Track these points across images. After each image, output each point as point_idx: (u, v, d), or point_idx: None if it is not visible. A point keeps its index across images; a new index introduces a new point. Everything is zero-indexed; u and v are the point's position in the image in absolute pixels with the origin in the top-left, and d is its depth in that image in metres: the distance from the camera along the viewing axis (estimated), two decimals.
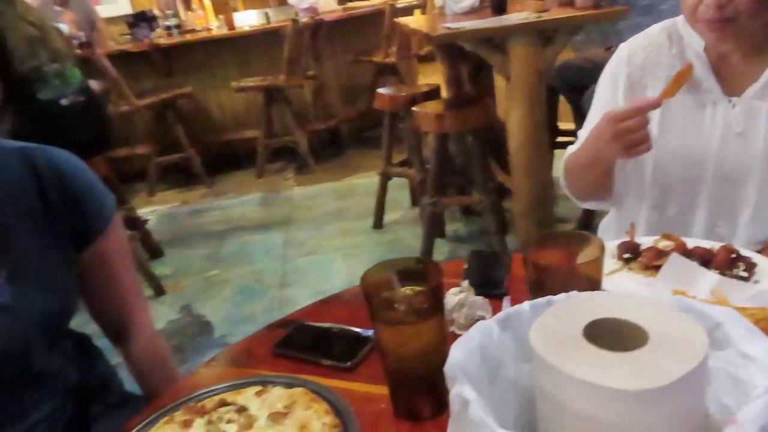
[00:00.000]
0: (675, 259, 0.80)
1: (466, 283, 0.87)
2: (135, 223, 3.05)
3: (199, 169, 3.97)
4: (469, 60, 2.77)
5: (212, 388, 0.77)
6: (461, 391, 0.49)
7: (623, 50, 1.14)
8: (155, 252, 3.08)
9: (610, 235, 1.20)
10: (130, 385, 1.00)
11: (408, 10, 4.69)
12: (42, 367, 0.83)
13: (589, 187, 1.16)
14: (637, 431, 0.44)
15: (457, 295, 0.85)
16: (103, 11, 5.97)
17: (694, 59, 1.05)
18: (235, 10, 6.08)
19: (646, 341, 0.47)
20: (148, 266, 2.78)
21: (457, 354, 0.52)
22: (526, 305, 0.58)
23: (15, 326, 0.78)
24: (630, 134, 0.94)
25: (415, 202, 3.04)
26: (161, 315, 2.48)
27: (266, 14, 4.94)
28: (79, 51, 3.50)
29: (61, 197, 0.84)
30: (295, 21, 3.85)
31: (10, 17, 2.06)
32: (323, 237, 2.95)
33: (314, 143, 4.27)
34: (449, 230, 2.79)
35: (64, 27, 3.42)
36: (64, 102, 2.23)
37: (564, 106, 2.72)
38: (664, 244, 0.88)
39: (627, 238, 0.92)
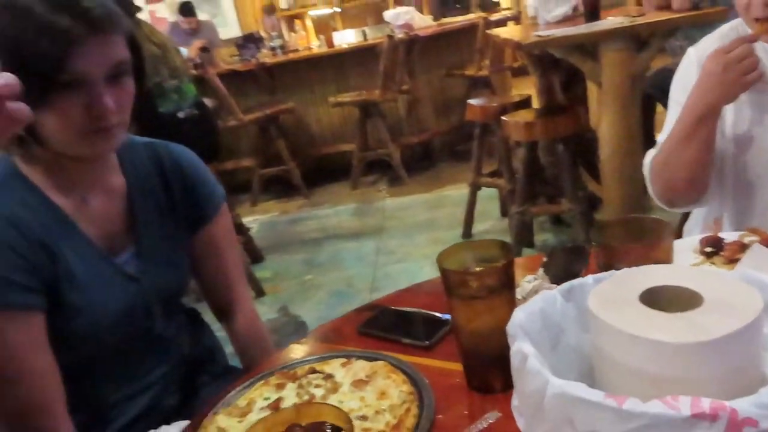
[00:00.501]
0: (757, 248, 0.79)
1: (541, 271, 0.90)
2: (239, 230, 3.27)
3: (298, 180, 4.18)
4: (562, 69, 2.75)
5: (303, 359, 0.85)
6: (521, 346, 0.53)
7: (692, 54, 1.13)
8: (257, 257, 3.29)
9: (694, 236, 1.17)
10: (232, 360, 1.11)
11: (502, 23, 4.71)
12: (160, 333, 0.95)
13: (686, 173, 1.09)
14: (688, 386, 0.46)
15: (531, 282, 0.88)
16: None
17: (763, 55, 1.03)
18: (335, 29, 6.38)
19: (701, 304, 0.49)
20: (251, 270, 2.98)
21: (519, 315, 0.57)
22: (589, 278, 0.62)
23: (140, 294, 0.90)
24: (740, 61, 0.96)
25: (504, 212, 3.04)
26: (261, 314, 2.61)
27: (363, 32, 5.15)
28: (194, 71, 3.85)
29: (180, 185, 0.97)
30: (390, 37, 3.99)
31: (138, 36, 2.33)
32: (413, 245, 3.03)
33: (407, 156, 4.37)
34: (538, 240, 2.76)
35: (184, 51, 3.76)
36: (180, 115, 2.47)
37: (662, 116, 2.63)
38: (750, 238, 0.87)
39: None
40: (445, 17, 5.86)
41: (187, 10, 4.87)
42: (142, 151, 0.96)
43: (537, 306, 0.58)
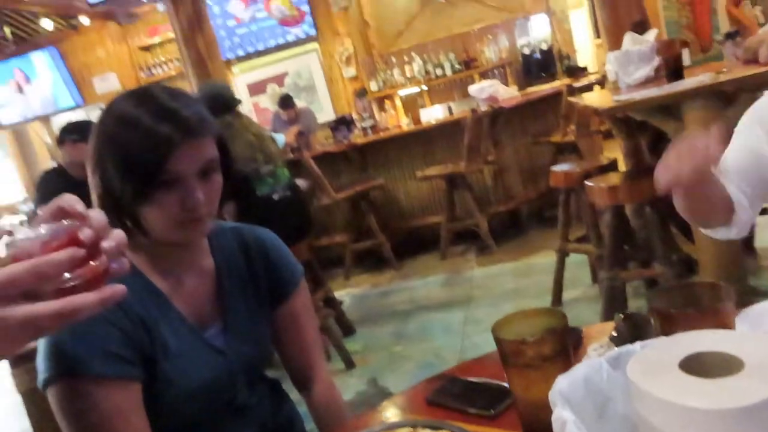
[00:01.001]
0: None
1: (606, 339, 0.89)
2: (332, 303, 3.39)
3: (388, 253, 4.28)
4: (649, 130, 2.70)
5: (372, 429, 0.89)
6: (561, 413, 0.54)
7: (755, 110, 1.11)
8: (348, 330, 3.36)
9: None
10: (311, 429, 1.16)
11: (588, 88, 4.70)
12: (243, 403, 1.02)
13: (691, 215, 1.10)
14: None
15: (596, 350, 0.87)
16: None
17: None
18: (423, 106, 6.63)
19: (741, 369, 0.49)
20: (342, 342, 3.05)
21: (561, 382, 0.58)
22: (637, 345, 0.62)
23: (225, 366, 0.99)
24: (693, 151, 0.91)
25: (595, 278, 2.93)
26: (350, 386, 2.69)
27: (449, 107, 5.32)
28: (291, 155, 4.15)
29: (262, 265, 1.07)
30: (474, 111, 4.11)
31: (238, 127, 2.59)
32: (501, 315, 2.94)
33: (495, 225, 4.36)
34: (633, 306, 2.63)
35: (281, 138, 4.09)
36: (275, 197, 2.67)
37: None
38: None
39: None
40: (530, 86, 5.94)
41: (285, 104, 5.29)
42: (229, 235, 1.07)
43: (580, 373, 0.59)
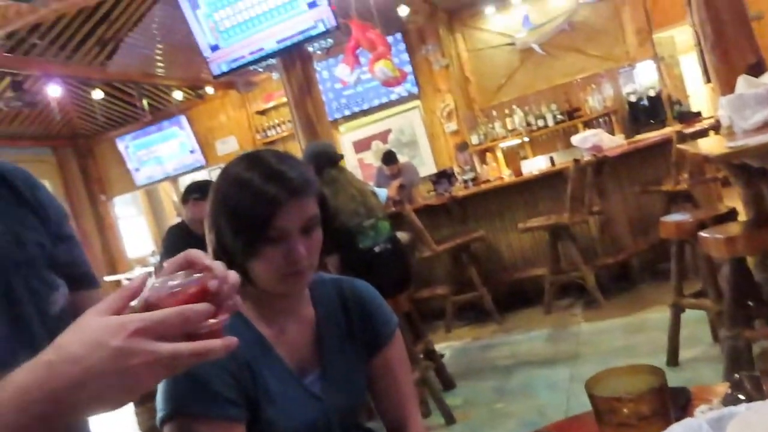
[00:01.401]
0: None
1: (716, 401, 0.84)
2: (432, 356, 3.37)
3: (490, 306, 4.21)
4: None
5: None
6: None
7: None
8: (448, 384, 3.31)
9: None
10: None
11: (701, 133, 4.46)
12: None
13: None
14: None
15: (704, 412, 0.82)
16: None
17: None
18: (525, 158, 6.58)
19: None
20: (442, 396, 3.01)
21: None
22: (742, 406, 0.59)
23: (323, 412, 1.03)
24: None
25: (716, 337, 2.70)
26: None
27: (551, 158, 5.24)
28: (393, 208, 4.26)
29: (359, 316, 1.12)
30: (576, 161, 4.02)
31: (341, 181, 2.72)
32: None
33: (602, 278, 4.17)
34: (761, 368, 2.38)
35: (383, 192, 4.22)
36: (376, 249, 2.75)
37: None
38: None
39: None
40: (638, 134, 5.73)
41: (388, 160, 5.49)
42: (329, 287, 1.14)
43: None
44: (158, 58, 6.25)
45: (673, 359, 2.70)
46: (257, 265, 0.97)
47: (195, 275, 0.60)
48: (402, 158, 7.26)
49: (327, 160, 2.72)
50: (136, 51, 5.77)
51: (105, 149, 8.37)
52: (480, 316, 4.35)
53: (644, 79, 6.39)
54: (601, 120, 6.57)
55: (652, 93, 6.29)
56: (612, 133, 6.00)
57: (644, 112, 6.33)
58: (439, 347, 3.74)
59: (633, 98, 6.37)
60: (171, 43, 5.83)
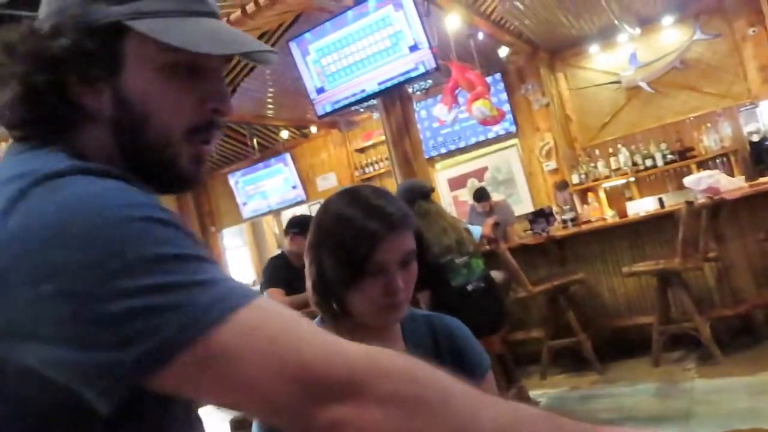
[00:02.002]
0: None
1: None
2: (526, 403, 3.21)
3: (589, 354, 3.96)
4: None
5: None
6: None
7: None
8: None
9: None
10: None
11: None
12: None
13: None
14: None
15: None
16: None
17: None
18: (630, 198, 6.25)
19: None
20: None
21: None
22: None
23: None
24: None
25: None
26: None
27: (660, 200, 4.94)
28: (488, 246, 4.17)
29: (450, 353, 1.09)
30: (689, 203, 3.76)
31: (432, 214, 2.72)
32: None
33: (720, 331, 3.81)
34: None
35: (477, 230, 4.16)
36: (469, 288, 2.69)
37: None
38: None
39: None
40: (762, 177, 5.27)
41: (480, 197, 5.42)
42: (420, 322, 1.12)
43: None
44: (269, 100, 6.65)
45: None
46: (356, 297, 0.98)
47: None
48: (498, 196, 7.17)
49: (419, 193, 2.74)
50: (250, 95, 6.17)
51: (217, 184, 8.96)
52: (578, 364, 4.10)
53: None
54: (717, 161, 6.13)
55: None
56: (731, 174, 5.56)
57: None
58: (534, 394, 3.56)
59: (756, 138, 5.89)
60: (281, 87, 6.19)
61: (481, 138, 7.21)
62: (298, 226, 3.27)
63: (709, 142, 6.14)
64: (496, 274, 3.48)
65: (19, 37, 0.60)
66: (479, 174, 7.34)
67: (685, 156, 6.23)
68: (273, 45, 5.21)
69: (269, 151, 8.25)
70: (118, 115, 0.61)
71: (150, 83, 0.61)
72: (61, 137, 0.60)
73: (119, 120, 0.61)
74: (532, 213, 5.39)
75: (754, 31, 6.04)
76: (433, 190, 2.89)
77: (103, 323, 0.46)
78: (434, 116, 6.27)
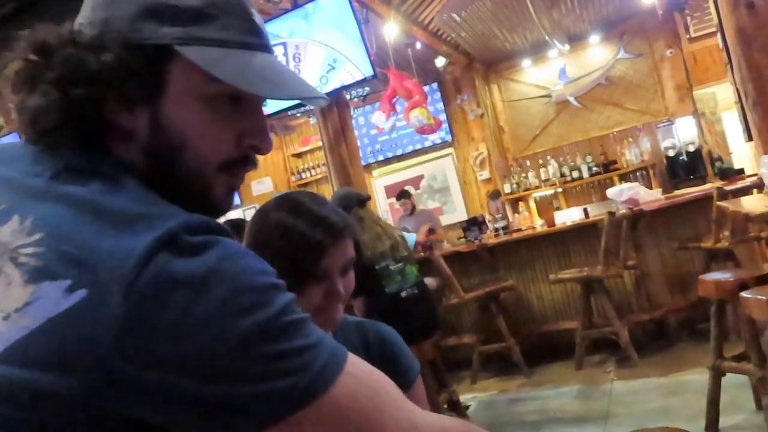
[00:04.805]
0: None
1: None
2: (456, 407, 3.28)
3: (518, 358, 4.09)
4: None
5: None
6: None
7: None
8: None
9: None
10: None
11: (744, 191, 4.34)
12: None
13: None
14: None
15: None
16: (446, 219, 7.12)
17: None
18: (558, 209, 6.51)
19: None
20: None
21: None
22: None
23: None
24: None
25: (759, 404, 2.55)
26: None
27: (585, 210, 5.17)
28: (422, 253, 4.24)
29: (381, 359, 1.10)
30: (611, 213, 3.96)
31: (366, 220, 2.73)
32: None
33: (637, 335, 4.03)
34: None
35: (412, 237, 4.22)
36: (403, 294, 2.72)
37: None
38: None
39: None
40: (677, 189, 5.62)
41: (399, 196, 5.79)
42: (352, 329, 1.13)
43: None
44: None
45: (712, 426, 2.55)
46: (298, 304, 0.97)
47: None
48: (433, 204, 7.29)
49: (356, 200, 2.75)
50: None
51: None
52: (507, 368, 4.23)
53: (684, 134, 6.30)
54: (638, 173, 6.49)
55: (691, 148, 6.19)
56: (649, 187, 5.90)
57: (683, 168, 6.22)
58: (464, 398, 3.64)
59: (671, 153, 6.28)
60: None
61: (418, 146, 7.32)
62: (233, 229, 3.20)
63: (630, 155, 6.49)
64: (430, 281, 3.53)
65: (58, 41, 0.57)
66: (416, 182, 7.43)
67: (608, 168, 6.56)
68: None
69: None
70: (153, 139, 0.59)
71: (191, 112, 0.59)
72: (96, 151, 0.57)
73: (154, 145, 0.59)
74: (466, 221, 5.52)
75: (671, 53, 6.44)
76: (369, 198, 2.91)
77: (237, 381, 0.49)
78: (372, 123, 6.31)
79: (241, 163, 0.64)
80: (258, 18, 0.63)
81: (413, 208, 5.71)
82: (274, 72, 0.62)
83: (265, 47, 0.63)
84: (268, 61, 0.62)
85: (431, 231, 4.80)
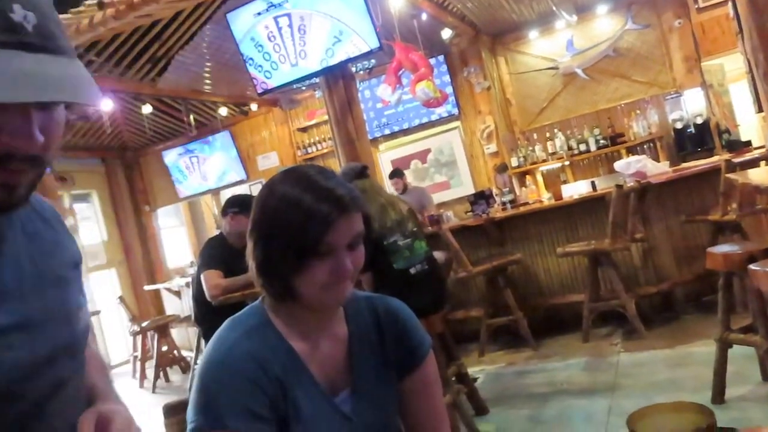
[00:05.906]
0: None
1: None
2: (464, 379, 3.31)
3: (525, 331, 4.13)
4: None
5: None
6: None
7: None
8: (481, 408, 3.25)
9: None
10: None
11: (752, 163, 4.31)
12: None
13: None
14: None
15: None
16: (453, 193, 7.12)
17: None
18: (565, 182, 6.49)
19: None
20: (473, 422, 2.95)
21: None
22: None
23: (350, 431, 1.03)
24: None
25: (766, 375, 2.58)
26: None
27: (593, 183, 5.15)
28: (430, 228, 4.25)
29: (392, 334, 1.11)
30: (618, 186, 3.94)
31: (369, 191, 2.72)
32: None
33: (644, 307, 4.05)
34: None
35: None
36: (412, 270, 2.72)
37: None
38: None
39: None
40: (684, 162, 5.58)
41: (392, 174, 5.86)
42: (363, 305, 1.13)
43: None
44: (206, 75, 6.43)
45: (719, 397, 2.58)
46: (303, 279, 0.98)
47: None
48: (441, 178, 7.28)
49: (353, 174, 2.74)
50: (186, 68, 5.95)
51: (151, 162, 8.62)
52: (515, 341, 4.27)
53: (691, 106, 6.24)
54: (645, 146, 6.44)
55: (699, 120, 6.13)
56: (657, 159, 5.86)
57: (691, 140, 6.17)
58: (472, 371, 3.68)
59: (679, 125, 6.22)
60: (219, 61, 6.00)
61: (425, 120, 7.26)
62: (238, 205, 3.18)
63: (638, 128, 6.43)
64: (438, 255, 3.54)
65: None
66: (422, 156, 7.40)
67: (616, 141, 6.51)
68: (210, 17, 5.02)
69: (207, 128, 8.01)
70: None
71: None
72: None
73: None
74: (473, 195, 5.51)
75: (679, 23, 6.33)
76: (366, 167, 2.88)
77: None
78: (378, 97, 6.26)
79: (5, 158, 0.62)
80: (19, 11, 0.58)
81: (405, 187, 5.76)
82: (24, 73, 0.58)
83: (20, 45, 0.58)
84: (20, 61, 0.58)
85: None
